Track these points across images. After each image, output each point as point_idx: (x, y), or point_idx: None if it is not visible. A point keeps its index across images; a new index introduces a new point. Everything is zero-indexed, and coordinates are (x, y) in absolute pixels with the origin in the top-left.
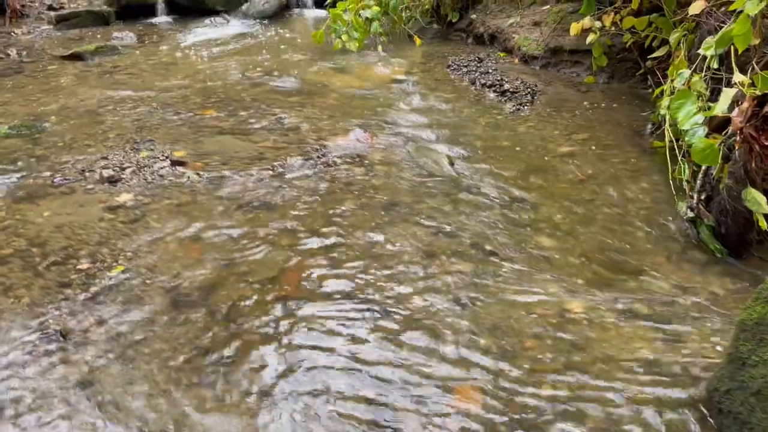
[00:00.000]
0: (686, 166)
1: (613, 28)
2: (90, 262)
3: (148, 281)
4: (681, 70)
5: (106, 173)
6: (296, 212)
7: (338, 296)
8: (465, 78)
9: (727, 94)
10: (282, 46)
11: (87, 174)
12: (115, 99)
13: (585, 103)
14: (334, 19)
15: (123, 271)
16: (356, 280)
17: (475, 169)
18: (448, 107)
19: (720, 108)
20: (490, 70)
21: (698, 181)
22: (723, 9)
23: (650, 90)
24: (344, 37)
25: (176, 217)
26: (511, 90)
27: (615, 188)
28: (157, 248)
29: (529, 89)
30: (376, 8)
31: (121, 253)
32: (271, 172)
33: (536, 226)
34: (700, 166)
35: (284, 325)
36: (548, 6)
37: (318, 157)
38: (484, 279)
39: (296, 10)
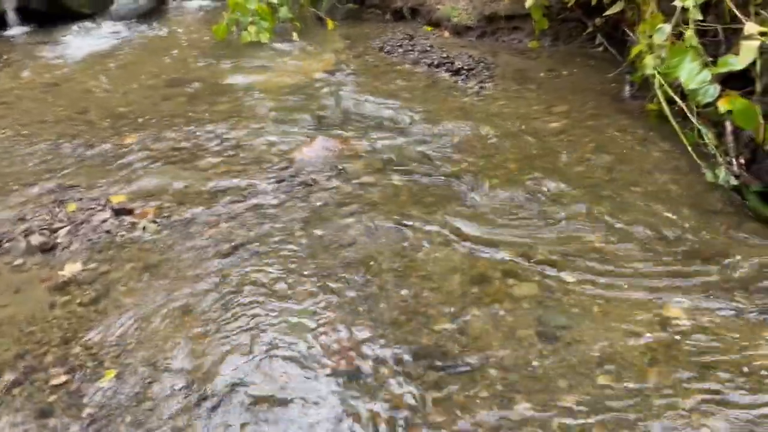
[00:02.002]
0: (706, 130)
1: None
2: (66, 371)
3: (156, 386)
4: (659, 26)
5: (34, 240)
6: (297, 254)
7: (397, 364)
8: (406, 59)
9: (749, 48)
10: (177, 48)
11: (7, 245)
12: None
13: (542, 73)
14: (233, 9)
15: (116, 377)
16: (410, 338)
17: (470, 162)
18: (405, 95)
19: (743, 62)
20: (428, 48)
21: (731, 145)
22: None
23: (601, 49)
24: (252, 29)
25: (150, 284)
26: (466, 67)
27: (628, 163)
28: (145, 333)
29: (481, 64)
30: None
31: (101, 351)
32: (243, 204)
33: (574, 223)
34: (721, 129)
35: (358, 419)
36: None
37: (291, 176)
38: (557, 300)
39: (174, 3)
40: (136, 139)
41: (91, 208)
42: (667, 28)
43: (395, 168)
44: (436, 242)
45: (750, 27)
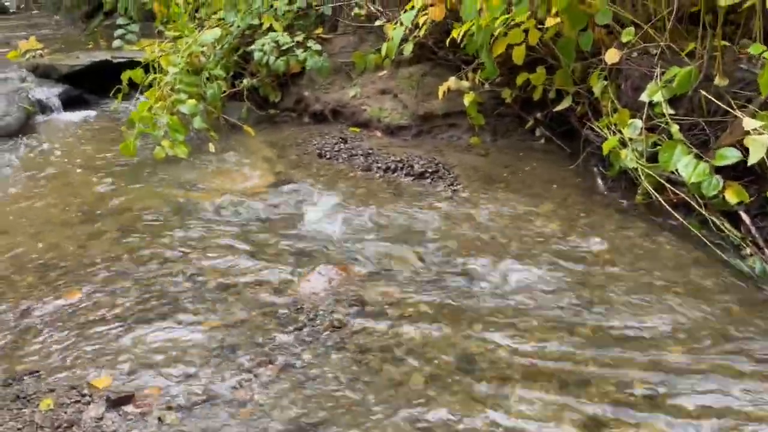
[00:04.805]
0: (721, 221)
1: (486, 85)
2: None
3: None
4: (630, 121)
5: None
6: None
7: None
8: (354, 165)
9: (760, 143)
10: (72, 171)
11: None
12: None
13: (502, 170)
14: (135, 122)
15: None
16: None
17: (494, 278)
18: (374, 207)
19: (755, 158)
20: (370, 151)
21: (756, 235)
22: (635, 54)
23: (542, 142)
24: (166, 143)
25: None
26: (430, 171)
27: (649, 262)
28: None
29: (439, 165)
30: (192, 101)
31: None
32: (270, 367)
33: (647, 337)
34: (735, 219)
35: None
36: (385, 72)
37: (309, 320)
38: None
39: (43, 118)
40: (80, 295)
41: (75, 402)
42: (639, 123)
43: (414, 291)
44: (519, 379)
45: (749, 122)
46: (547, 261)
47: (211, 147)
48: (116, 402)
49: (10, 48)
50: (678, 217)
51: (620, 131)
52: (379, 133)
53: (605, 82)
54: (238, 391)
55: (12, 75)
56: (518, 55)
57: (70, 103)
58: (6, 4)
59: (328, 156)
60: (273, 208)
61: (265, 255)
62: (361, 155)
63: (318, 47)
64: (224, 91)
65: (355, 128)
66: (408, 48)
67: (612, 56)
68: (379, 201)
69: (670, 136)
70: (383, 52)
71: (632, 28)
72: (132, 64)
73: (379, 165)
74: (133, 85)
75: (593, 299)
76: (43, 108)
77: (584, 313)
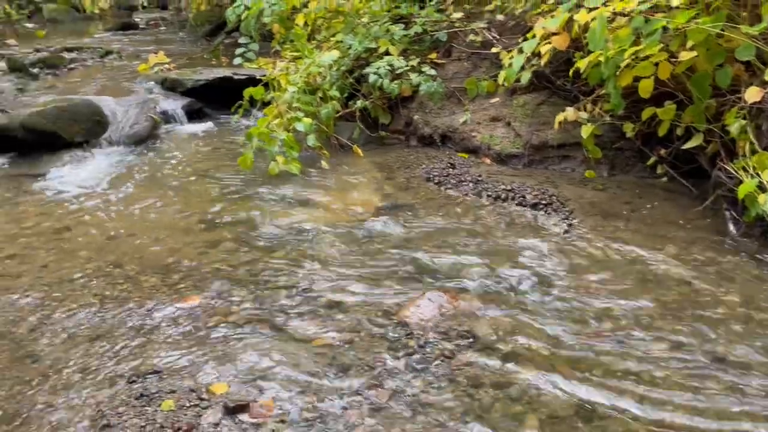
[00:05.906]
0: None
1: (608, 118)
2: None
3: None
4: None
5: None
6: None
7: None
8: (462, 191)
9: None
10: (192, 179)
11: None
12: (24, 306)
13: (620, 207)
14: (253, 137)
15: None
16: None
17: (612, 321)
18: (485, 237)
19: None
20: (479, 178)
21: None
22: None
23: (665, 179)
24: (280, 159)
25: None
26: (543, 202)
27: None
28: None
29: (553, 197)
30: (307, 120)
31: None
32: (380, 391)
33: None
34: None
35: None
36: (497, 99)
37: (419, 346)
38: None
39: (168, 127)
40: (199, 301)
41: (194, 405)
42: None
43: (527, 326)
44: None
45: None
46: (673, 308)
47: (325, 165)
48: (233, 410)
49: (140, 61)
50: None
51: (759, 174)
52: (488, 161)
53: (743, 122)
54: (348, 412)
55: (141, 87)
56: (645, 88)
57: (192, 115)
58: (136, 20)
59: (436, 181)
60: (381, 230)
61: (374, 275)
62: (470, 182)
63: (433, 72)
64: (337, 112)
65: (463, 154)
66: (525, 76)
67: (753, 95)
68: (489, 230)
69: None
70: (500, 80)
71: None
72: (251, 81)
73: (489, 193)
74: (250, 101)
75: (726, 354)
76: (168, 119)
77: (716, 369)
